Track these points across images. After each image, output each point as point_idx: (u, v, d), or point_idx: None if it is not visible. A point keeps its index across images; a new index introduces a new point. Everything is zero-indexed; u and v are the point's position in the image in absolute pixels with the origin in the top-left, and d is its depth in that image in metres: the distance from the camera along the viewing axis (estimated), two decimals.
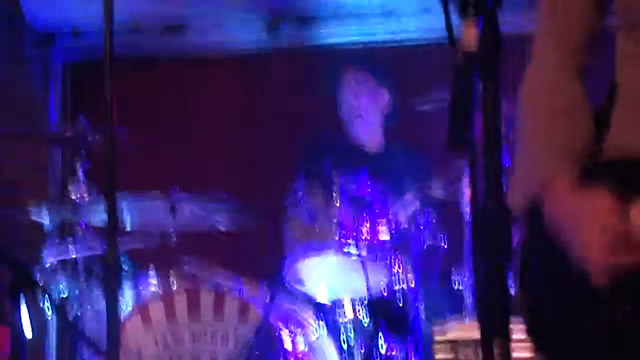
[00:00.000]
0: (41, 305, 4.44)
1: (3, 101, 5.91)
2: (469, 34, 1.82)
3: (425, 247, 4.40)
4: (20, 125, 5.83)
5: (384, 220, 4.38)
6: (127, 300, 4.67)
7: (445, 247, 4.49)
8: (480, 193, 1.76)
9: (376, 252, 4.33)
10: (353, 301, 4.52)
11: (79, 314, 4.66)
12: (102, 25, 3.40)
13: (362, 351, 4.33)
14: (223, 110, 5.93)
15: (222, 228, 4.80)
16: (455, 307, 4.39)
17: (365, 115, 5.15)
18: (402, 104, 5.20)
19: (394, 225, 4.37)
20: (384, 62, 5.55)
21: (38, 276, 4.61)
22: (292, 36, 5.91)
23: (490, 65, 1.77)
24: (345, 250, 4.31)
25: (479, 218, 1.72)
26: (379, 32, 5.87)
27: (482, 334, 1.72)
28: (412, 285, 4.37)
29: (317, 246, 4.39)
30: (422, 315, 4.38)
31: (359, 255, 4.29)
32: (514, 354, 1.73)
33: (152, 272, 4.73)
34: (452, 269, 4.48)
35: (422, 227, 4.37)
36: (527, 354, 2.06)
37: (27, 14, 5.89)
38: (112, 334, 3.42)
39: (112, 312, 3.44)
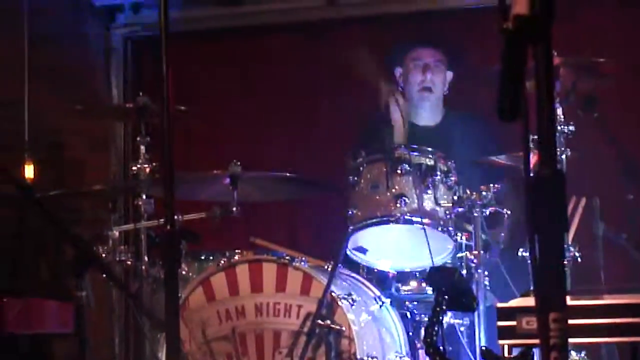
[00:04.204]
0: (105, 280, 4.59)
1: (66, 78, 5.95)
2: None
3: (489, 215, 4.35)
4: (83, 101, 5.76)
5: (447, 189, 4.36)
6: (189, 274, 4.74)
7: (510, 215, 4.45)
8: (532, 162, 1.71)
9: (439, 221, 4.31)
10: (416, 271, 4.54)
11: (141, 287, 4.69)
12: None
13: (425, 321, 4.29)
14: (284, 81, 5.92)
15: (284, 200, 4.83)
16: (520, 276, 4.36)
17: (432, 89, 5.14)
18: (463, 73, 5.20)
19: (457, 194, 4.34)
20: (445, 30, 5.54)
21: (101, 252, 4.68)
22: (355, 5, 5.87)
23: (542, 29, 1.71)
24: (408, 219, 4.28)
25: (532, 187, 1.66)
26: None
27: (538, 308, 1.67)
28: (476, 255, 4.34)
29: (380, 216, 4.36)
30: (486, 285, 4.34)
31: (421, 225, 4.26)
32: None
33: (215, 245, 4.78)
34: (517, 237, 4.45)
35: (486, 196, 4.32)
36: None
37: None
38: (172, 307, 3.43)
39: (171, 285, 3.43)
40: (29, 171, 5.30)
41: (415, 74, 5.15)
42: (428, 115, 5.19)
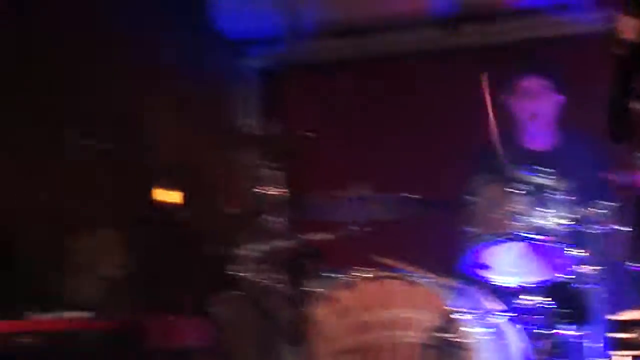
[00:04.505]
0: (239, 296, 4.77)
1: (202, 108, 6.11)
2: (632, 25, 1.84)
3: (604, 232, 4.40)
4: (218, 129, 6.01)
5: (563, 207, 4.42)
6: (318, 289, 4.68)
7: (625, 232, 4.47)
8: None
9: (556, 238, 4.37)
10: (535, 286, 4.55)
11: (275, 303, 4.74)
12: (288, 33, 3.62)
13: (544, 334, 4.38)
14: (405, 107, 5.98)
15: (407, 220, 4.88)
16: (633, 290, 4.38)
17: (541, 116, 5.16)
18: (572, 97, 5.21)
19: (573, 212, 4.41)
20: (555, 57, 5.57)
21: (236, 269, 4.77)
22: (472, 34, 5.94)
23: None
24: (526, 236, 4.37)
25: None
26: (554, 27, 5.87)
27: None
28: (593, 270, 4.40)
29: (498, 234, 4.44)
30: (603, 299, 4.38)
31: (539, 242, 4.35)
32: None
33: (342, 263, 4.71)
34: (633, 253, 4.45)
35: (600, 214, 4.38)
36: None
37: (219, 24, 6.07)
38: (301, 321, 3.68)
39: (302, 301, 3.75)
40: (170, 196, 5.48)
41: (524, 101, 5.19)
42: (541, 139, 5.23)
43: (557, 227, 4.44)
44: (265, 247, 4.87)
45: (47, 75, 6.00)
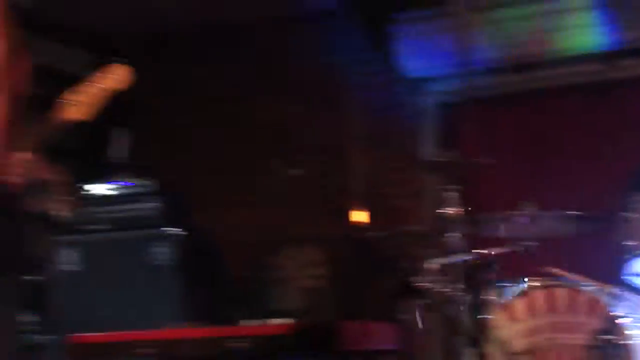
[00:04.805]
0: (424, 303, 4.78)
1: (386, 138, 6.29)
2: None
3: None
4: (401, 158, 6.12)
5: None
6: (494, 298, 4.80)
7: None
8: None
9: None
10: None
11: (456, 311, 4.79)
12: (462, 71, 3.88)
13: None
14: (568, 134, 6.04)
15: (571, 234, 4.98)
16: None
17: None
18: None
19: None
20: None
21: (421, 280, 4.83)
22: (631, 67, 5.95)
23: None
24: None
25: None
26: None
27: None
28: None
29: None
30: None
31: None
32: None
33: (514, 274, 4.86)
34: None
35: None
36: None
37: (402, 65, 6.23)
38: (479, 326, 3.92)
39: (478, 307, 3.98)
40: (362, 217, 5.56)
41: None
42: None
43: None
44: (446, 260, 4.92)
45: (262, 114, 6.35)
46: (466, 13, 4.26)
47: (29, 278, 4.33)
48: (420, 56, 6.19)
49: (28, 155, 3.59)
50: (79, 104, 3.79)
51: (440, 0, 4.47)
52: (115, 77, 3.89)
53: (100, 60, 4.14)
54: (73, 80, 3.88)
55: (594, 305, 4.62)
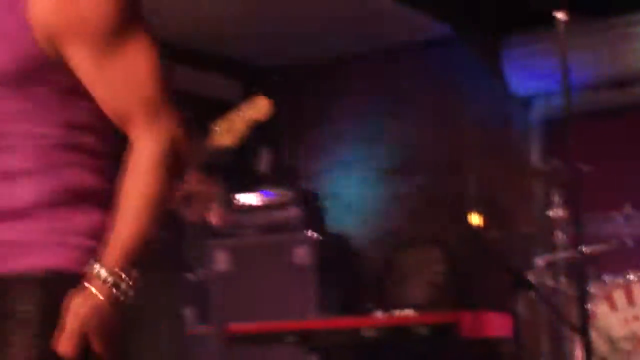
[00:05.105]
0: (534, 295, 4.94)
1: (497, 149, 6.49)
2: None
3: None
4: (511, 166, 6.35)
5: None
6: (597, 290, 5.09)
7: None
8: None
9: None
10: None
11: (557, 301, 5.03)
12: (565, 88, 4.11)
13: None
14: None
15: None
16: None
17: None
18: None
19: None
20: None
21: (531, 274, 5.11)
22: None
23: None
24: None
25: None
26: None
27: None
28: None
29: None
30: None
31: None
32: None
33: (614, 268, 5.10)
34: None
35: None
36: None
37: (511, 83, 6.43)
38: (583, 316, 4.09)
39: (582, 299, 4.09)
40: (478, 219, 5.75)
41: None
42: None
43: None
44: (553, 257, 5.17)
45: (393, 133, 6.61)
46: (569, 35, 4.47)
47: (191, 276, 4.69)
48: (528, 75, 6.33)
49: (190, 172, 3.92)
50: (229, 131, 4.10)
51: (546, 22, 4.62)
52: (259, 109, 4.12)
53: (249, 91, 4.57)
54: (223, 107, 4.21)
55: None
